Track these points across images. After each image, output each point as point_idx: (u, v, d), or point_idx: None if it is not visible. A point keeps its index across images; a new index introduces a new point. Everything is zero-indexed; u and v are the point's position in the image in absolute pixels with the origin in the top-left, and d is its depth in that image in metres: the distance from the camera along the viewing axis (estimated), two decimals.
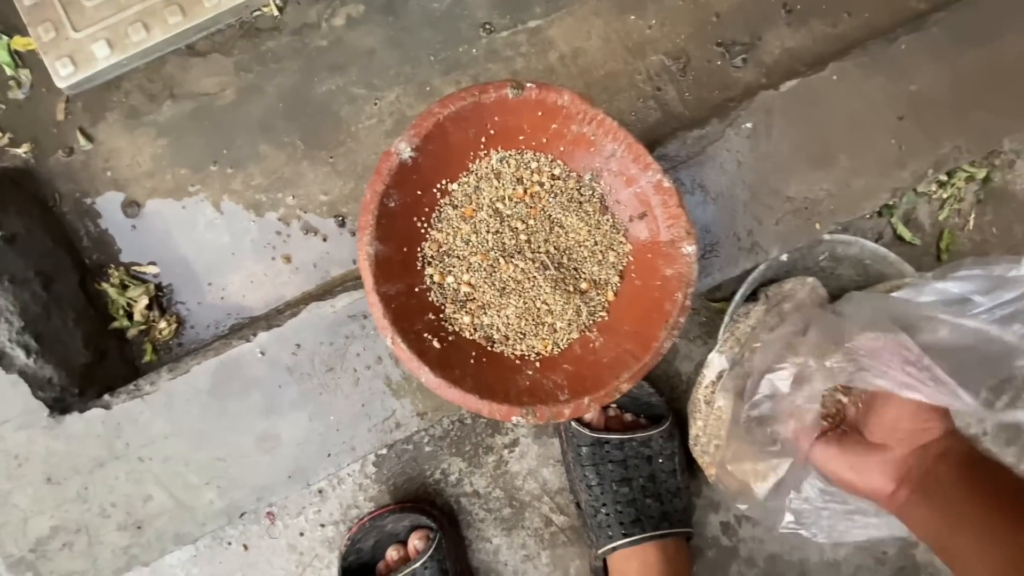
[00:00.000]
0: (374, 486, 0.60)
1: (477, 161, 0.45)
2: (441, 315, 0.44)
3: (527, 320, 0.45)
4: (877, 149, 0.52)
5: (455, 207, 0.45)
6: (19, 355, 0.45)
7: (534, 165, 0.45)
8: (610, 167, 0.45)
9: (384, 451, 0.60)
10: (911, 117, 0.53)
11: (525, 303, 0.45)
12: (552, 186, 0.46)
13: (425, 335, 0.42)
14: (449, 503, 0.61)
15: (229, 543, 0.59)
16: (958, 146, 0.54)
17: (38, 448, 0.45)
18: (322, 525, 0.60)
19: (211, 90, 0.55)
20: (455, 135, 0.42)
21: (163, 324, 0.54)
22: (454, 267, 0.44)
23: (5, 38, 0.54)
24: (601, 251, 0.46)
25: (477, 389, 0.40)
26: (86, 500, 0.46)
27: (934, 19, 0.54)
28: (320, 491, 0.59)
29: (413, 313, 0.42)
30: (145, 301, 0.53)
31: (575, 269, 0.46)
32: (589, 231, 0.46)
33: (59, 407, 0.46)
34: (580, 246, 0.46)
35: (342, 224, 0.56)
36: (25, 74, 0.54)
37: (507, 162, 0.45)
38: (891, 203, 0.64)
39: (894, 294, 0.53)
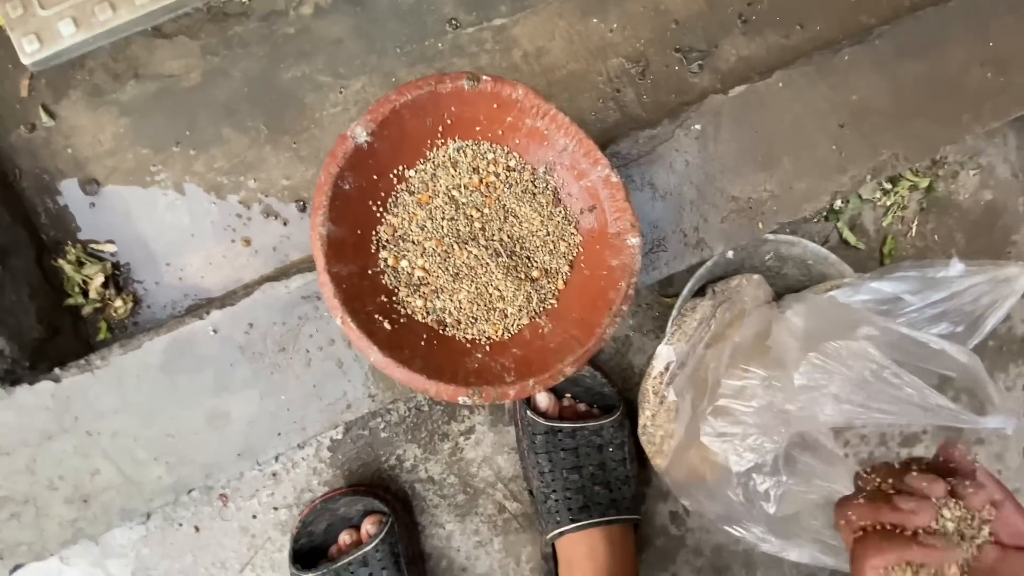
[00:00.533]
0: (329, 470, 0.61)
1: (434, 149, 0.46)
2: (394, 298, 0.45)
3: (479, 305, 0.46)
4: (819, 154, 0.55)
5: (411, 193, 0.46)
6: None
7: (490, 156, 0.47)
8: (563, 161, 0.47)
9: (339, 436, 0.61)
10: (851, 125, 0.55)
11: (478, 289, 0.46)
12: (507, 177, 0.47)
13: (376, 316, 0.43)
14: (403, 489, 0.62)
15: (180, 524, 0.59)
16: (896, 153, 0.56)
17: None
18: (275, 508, 0.60)
19: (176, 72, 0.55)
20: (412, 123, 0.44)
21: (119, 303, 0.54)
22: (408, 251, 0.46)
23: None
24: (553, 241, 0.48)
25: (426, 370, 0.41)
26: (34, 472, 0.46)
27: (878, 32, 0.57)
28: (274, 474, 0.60)
29: (365, 294, 0.43)
30: (101, 279, 0.54)
31: (527, 258, 0.48)
32: (542, 221, 0.47)
33: (9, 379, 0.46)
34: (533, 235, 0.48)
35: (303, 209, 0.57)
36: None
37: (464, 152, 0.47)
38: (837, 208, 0.67)
39: (832, 292, 0.56)
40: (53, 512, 0.47)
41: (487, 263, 0.46)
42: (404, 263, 0.46)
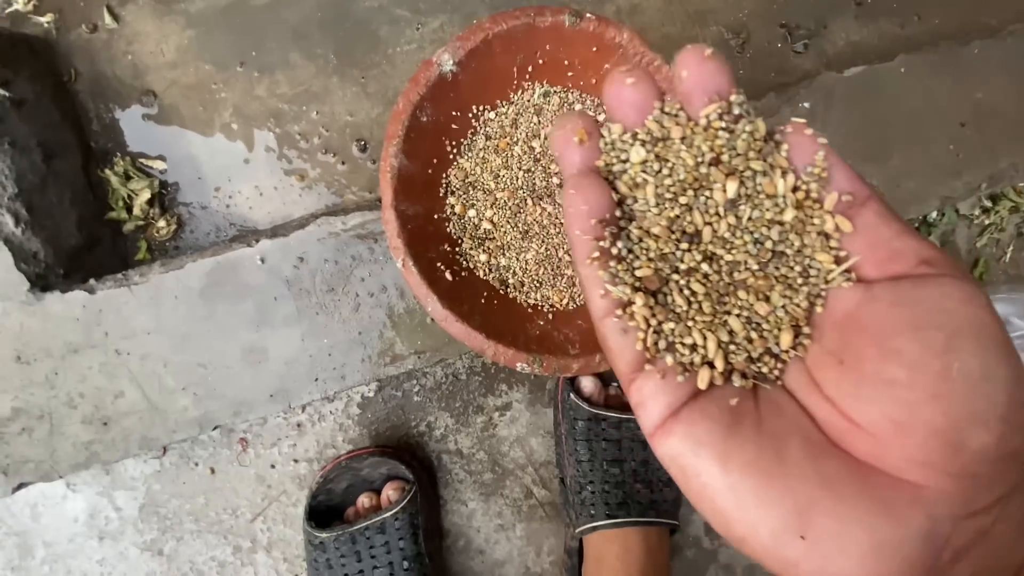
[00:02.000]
0: (355, 428, 0.57)
1: (519, 92, 0.42)
2: (457, 248, 0.41)
3: (546, 268, 0.42)
4: (934, 152, 0.50)
5: (489, 137, 0.42)
6: (7, 222, 0.43)
7: (579, 106, 0.43)
8: None
9: (371, 394, 0.57)
10: (973, 125, 0.50)
11: (547, 250, 0.42)
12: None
13: (438, 264, 0.39)
14: (430, 458, 0.59)
15: (196, 464, 0.56)
16: (1016, 163, 0.51)
17: (12, 322, 0.43)
18: (296, 460, 0.57)
19: None
20: (501, 57, 0.40)
21: (162, 223, 0.51)
22: (478, 201, 0.42)
23: None
24: None
25: (484, 328, 0.37)
26: (54, 386, 0.43)
27: (1011, 29, 0.51)
28: (299, 425, 0.57)
29: (428, 239, 0.40)
30: (147, 196, 0.51)
31: None
32: None
33: (41, 284, 0.43)
34: None
35: (363, 149, 0.53)
36: None
37: (551, 98, 0.43)
38: (932, 220, 0.62)
39: None
40: (69, 431, 0.44)
41: (560, 223, 0.42)
42: (472, 212, 0.42)
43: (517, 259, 0.42)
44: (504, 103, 0.42)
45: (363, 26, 0.53)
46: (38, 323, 0.43)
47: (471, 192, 0.42)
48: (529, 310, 0.42)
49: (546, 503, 0.61)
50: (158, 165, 0.52)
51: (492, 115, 0.42)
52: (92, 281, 0.43)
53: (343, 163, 0.53)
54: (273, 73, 0.52)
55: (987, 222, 0.63)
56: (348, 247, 0.45)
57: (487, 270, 0.42)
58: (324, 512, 0.54)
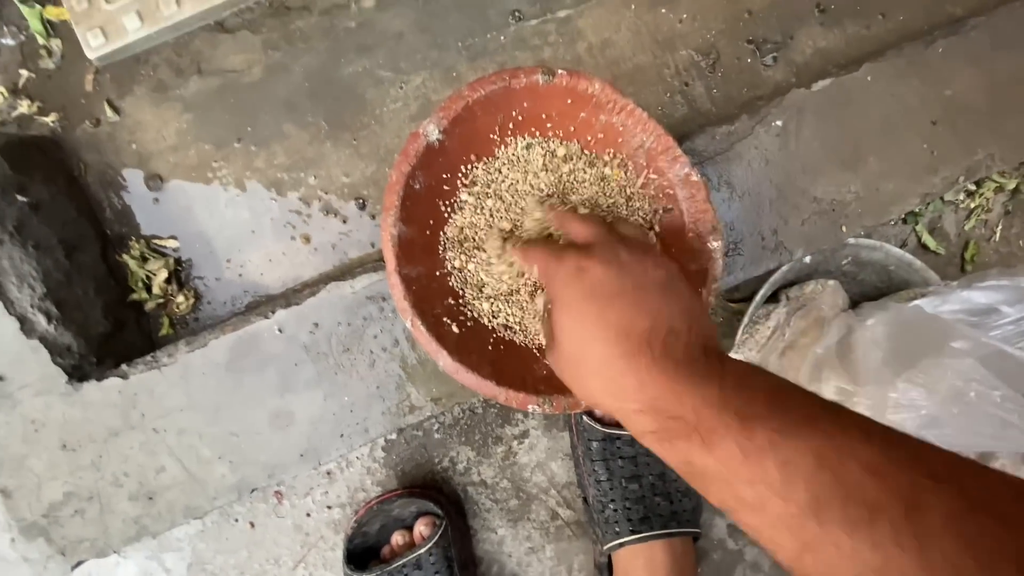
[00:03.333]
0: (382, 470, 0.60)
1: (503, 147, 0.45)
2: (461, 300, 0.44)
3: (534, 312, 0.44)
4: (909, 153, 0.51)
5: (478, 192, 0.44)
6: (40, 321, 0.46)
7: (561, 153, 0.45)
8: (638, 159, 0.44)
9: (394, 436, 0.60)
10: (945, 122, 0.52)
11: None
12: (579, 176, 0.45)
13: (444, 319, 0.41)
14: (456, 491, 0.61)
15: (236, 520, 0.59)
16: (992, 154, 0.52)
17: (55, 414, 0.46)
18: (329, 507, 0.60)
19: (238, 67, 0.55)
20: (483, 119, 0.42)
21: (181, 298, 0.54)
22: (475, 253, 0.44)
23: (39, 7, 0.54)
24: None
25: (494, 375, 0.39)
26: (100, 468, 0.46)
27: (972, 23, 0.53)
28: (328, 473, 0.60)
29: (433, 297, 0.42)
30: (164, 274, 0.54)
31: None
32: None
33: (77, 375, 0.46)
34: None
35: (362, 207, 0.56)
36: (56, 44, 0.55)
37: (533, 149, 0.45)
38: (917, 210, 0.63)
39: (917, 302, 0.53)
40: (118, 509, 0.47)
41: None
42: (471, 265, 0.44)
43: (517, 305, 0.44)
44: (491, 158, 0.45)
45: (350, 91, 0.55)
46: (79, 412, 0.46)
47: (467, 245, 0.44)
48: (535, 351, 0.44)
49: (572, 523, 0.63)
50: (171, 244, 0.55)
51: (480, 171, 0.44)
52: (124, 366, 0.46)
53: (344, 222, 0.56)
54: (269, 145, 0.55)
55: (972, 205, 0.64)
56: (358, 308, 0.47)
57: (491, 317, 0.44)
58: (361, 554, 0.56)
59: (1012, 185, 0.64)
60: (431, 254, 0.43)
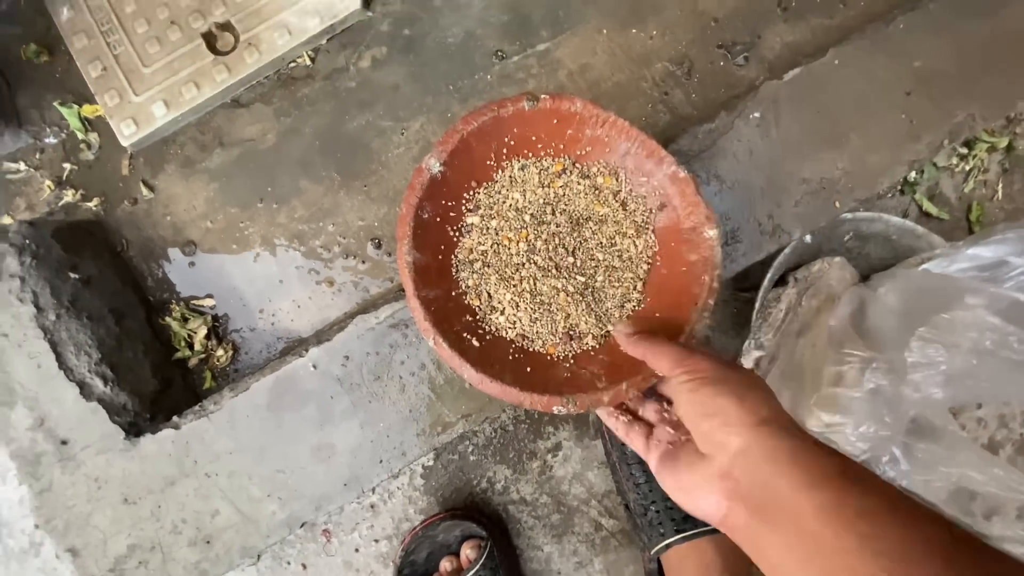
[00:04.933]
0: (423, 498, 0.61)
1: (500, 171, 0.48)
2: (477, 316, 0.46)
3: (548, 316, 0.46)
4: (888, 125, 0.53)
5: (483, 214, 0.48)
6: (98, 384, 0.49)
7: (553, 169, 0.48)
8: (626, 165, 0.47)
9: (431, 462, 0.61)
10: (919, 92, 0.54)
11: (551, 304, 0.46)
12: (573, 188, 0.48)
13: (464, 335, 0.44)
14: (497, 511, 0.62)
15: (288, 562, 0.60)
16: (972, 114, 0.54)
17: (115, 470, 0.49)
18: (376, 540, 0.61)
19: (255, 136, 0.60)
20: (478, 148, 0.46)
21: (220, 352, 0.58)
22: (486, 271, 0.47)
23: (76, 107, 0.61)
24: (627, 245, 0.48)
25: (517, 382, 0.41)
26: (159, 518, 0.49)
27: None
28: (372, 506, 0.61)
29: (452, 315, 0.44)
30: (204, 331, 0.58)
31: (603, 264, 0.48)
32: (614, 227, 0.48)
33: (133, 431, 0.50)
34: (605, 241, 0.48)
35: (378, 247, 0.60)
36: (94, 137, 0.61)
37: (527, 169, 0.48)
38: (912, 180, 0.64)
39: (925, 266, 0.53)
40: (178, 556, 0.49)
41: (559, 276, 0.46)
42: (482, 283, 0.47)
43: (527, 314, 0.46)
44: (490, 182, 0.48)
45: (356, 143, 0.60)
46: (137, 466, 0.49)
47: (477, 265, 0.47)
48: (553, 358, 0.46)
49: (617, 532, 0.63)
50: (208, 303, 0.59)
51: (482, 195, 0.48)
52: (175, 418, 0.49)
53: (363, 262, 0.60)
54: (289, 201, 0.60)
55: (967, 168, 0.65)
56: (384, 337, 0.50)
57: (509, 328, 0.47)
58: None
59: (1004, 143, 0.65)
60: (445, 276, 0.46)
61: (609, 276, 0.47)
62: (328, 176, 0.60)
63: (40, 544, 0.60)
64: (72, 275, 0.52)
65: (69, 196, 0.60)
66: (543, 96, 0.44)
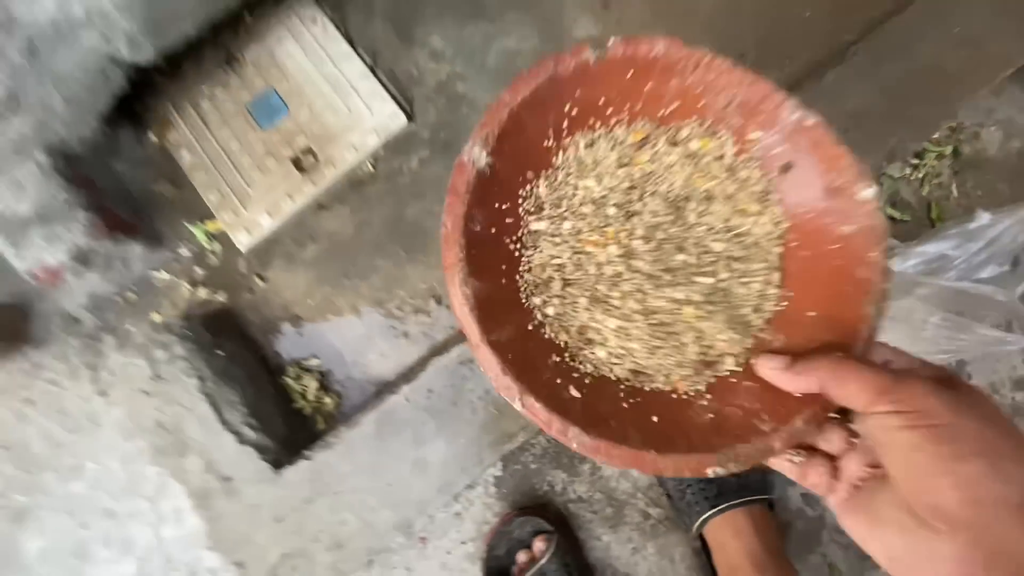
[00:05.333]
0: (498, 504, 0.74)
1: (561, 152, 0.36)
2: (567, 354, 0.34)
3: (673, 341, 0.35)
4: None
5: (549, 216, 0.36)
6: (248, 432, 0.66)
7: (632, 140, 0.37)
8: (731, 121, 0.36)
9: (500, 473, 0.75)
10: (854, 128, 0.67)
11: (663, 320, 0.35)
12: (664, 160, 0.37)
13: (557, 382, 0.32)
14: (560, 510, 0.74)
15: (395, 567, 0.74)
16: (902, 138, 0.67)
17: (267, 497, 0.64)
18: (463, 542, 0.74)
19: (337, 230, 0.78)
20: (532, 126, 0.34)
21: (328, 400, 0.74)
22: (570, 293, 0.35)
23: (201, 225, 0.80)
24: (749, 226, 0.36)
25: (647, 442, 0.30)
26: (302, 531, 0.64)
27: (853, 50, 0.70)
28: (457, 514, 0.75)
29: (534, 359, 0.33)
30: (315, 385, 0.74)
31: (722, 257, 0.36)
32: (727, 204, 0.36)
33: (276, 465, 0.65)
34: (720, 226, 0.37)
35: (439, 302, 0.76)
36: (216, 246, 0.80)
37: (597, 145, 0.37)
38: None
39: None
40: (320, 559, 0.63)
41: (676, 283, 0.35)
42: (567, 310, 0.35)
43: (636, 342, 0.34)
44: (551, 170, 0.36)
45: (415, 225, 0.77)
46: (282, 491, 0.64)
47: (554, 286, 0.35)
48: (682, 395, 0.34)
49: (663, 519, 0.74)
50: (314, 362, 0.76)
51: (543, 189, 0.36)
52: (307, 452, 0.65)
53: (429, 316, 0.75)
54: (368, 276, 0.77)
55: (920, 175, 0.77)
56: (456, 372, 0.65)
57: (614, 365, 0.34)
58: (497, 574, 0.70)
59: (949, 150, 0.77)
60: (515, 307, 0.34)
61: (734, 271, 0.36)
62: (396, 253, 0.77)
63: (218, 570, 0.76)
64: (219, 352, 0.70)
65: (203, 294, 0.78)
66: (612, 41, 0.34)
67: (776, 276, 0.36)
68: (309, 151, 0.80)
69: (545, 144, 0.36)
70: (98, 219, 0.70)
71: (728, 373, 0.34)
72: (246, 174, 0.80)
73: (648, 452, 0.30)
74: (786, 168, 0.36)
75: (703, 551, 0.70)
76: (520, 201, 0.36)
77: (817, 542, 0.73)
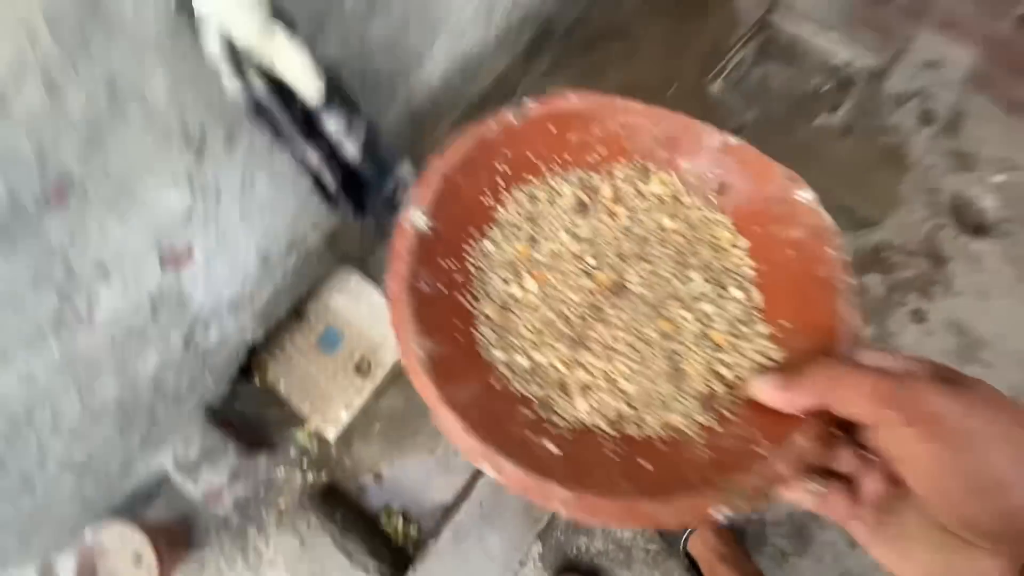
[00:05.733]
0: (546, 573, 1.05)
1: (499, 208, 0.39)
2: (538, 407, 0.33)
3: (648, 380, 0.34)
4: None
5: (495, 269, 0.37)
6: (372, 566, 0.98)
7: (566, 189, 0.39)
8: (657, 155, 0.39)
9: (541, 550, 1.07)
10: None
11: (634, 361, 0.34)
12: (617, 197, 0.39)
13: (528, 435, 0.31)
14: (590, 564, 1.05)
15: None
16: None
17: None
18: None
19: (393, 407, 1.16)
20: (466, 188, 0.37)
21: (412, 530, 1.07)
22: (524, 340, 0.35)
23: (298, 430, 1.18)
24: (701, 245, 0.38)
25: (643, 490, 0.28)
26: None
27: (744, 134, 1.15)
28: None
29: (502, 416, 0.31)
30: (400, 522, 1.07)
31: (683, 278, 0.37)
32: (675, 229, 0.38)
33: None
34: (673, 252, 0.37)
35: None
36: (314, 442, 1.17)
37: (534, 197, 0.39)
38: None
39: None
40: None
41: (629, 321, 0.35)
42: (539, 356, 0.34)
43: (610, 387, 0.33)
44: (491, 225, 0.38)
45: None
46: None
47: (510, 336, 0.35)
48: (673, 436, 0.32)
49: (660, 550, 1.05)
50: (396, 504, 1.10)
51: (488, 244, 0.38)
52: (411, 567, 0.97)
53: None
54: (419, 433, 1.13)
55: None
56: (492, 482, 1.00)
57: (595, 414, 0.33)
58: None
59: None
60: (476, 362, 0.34)
61: (710, 292, 0.36)
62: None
63: None
64: (336, 514, 1.04)
65: (311, 476, 1.14)
66: (529, 102, 0.37)
67: (755, 292, 0.36)
68: (364, 358, 1.20)
69: (484, 201, 0.38)
70: (240, 445, 1.07)
71: (722, 404, 0.33)
72: (325, 387, 1.19)
73: (646, 500, 0.27)
74: (721, 190, 0.38)
75: (693, 566, 1.00)
76: (466, 258, 0.37)
77: (764, 539, 1.03)
